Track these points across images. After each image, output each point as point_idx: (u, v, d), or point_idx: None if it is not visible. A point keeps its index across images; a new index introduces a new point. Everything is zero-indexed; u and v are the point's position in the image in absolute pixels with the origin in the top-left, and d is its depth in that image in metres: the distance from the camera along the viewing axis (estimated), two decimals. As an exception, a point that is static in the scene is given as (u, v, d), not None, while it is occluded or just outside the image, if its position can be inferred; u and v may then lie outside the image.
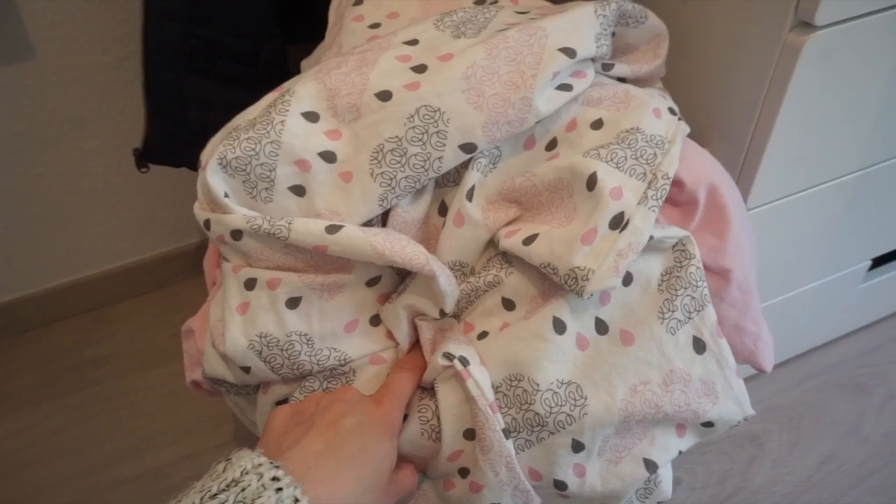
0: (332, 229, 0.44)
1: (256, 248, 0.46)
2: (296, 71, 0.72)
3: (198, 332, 0.60)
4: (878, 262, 0.88)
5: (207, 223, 0.47)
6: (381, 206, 0.46)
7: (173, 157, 0.82)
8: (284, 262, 0.46)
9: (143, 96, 0.77)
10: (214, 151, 0.47)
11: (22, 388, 1.09)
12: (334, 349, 0.47)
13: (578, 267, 0.42)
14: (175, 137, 0.78)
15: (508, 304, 0.46)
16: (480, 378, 0.43)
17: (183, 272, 1.19)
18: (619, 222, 0.43)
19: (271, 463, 0.33)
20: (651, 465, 0.47)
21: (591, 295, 0.43)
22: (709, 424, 0.48)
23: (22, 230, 1.04)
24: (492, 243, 0.49)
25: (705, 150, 0.53)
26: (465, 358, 0.44)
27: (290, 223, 0.44)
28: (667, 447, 0.47)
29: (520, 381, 0.44)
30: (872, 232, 0.80)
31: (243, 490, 0.31)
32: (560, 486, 0.45)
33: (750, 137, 0.58)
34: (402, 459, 0.46)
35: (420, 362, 0.47)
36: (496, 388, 0.44)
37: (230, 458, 0.33)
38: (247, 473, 0.32)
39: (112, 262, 1.15)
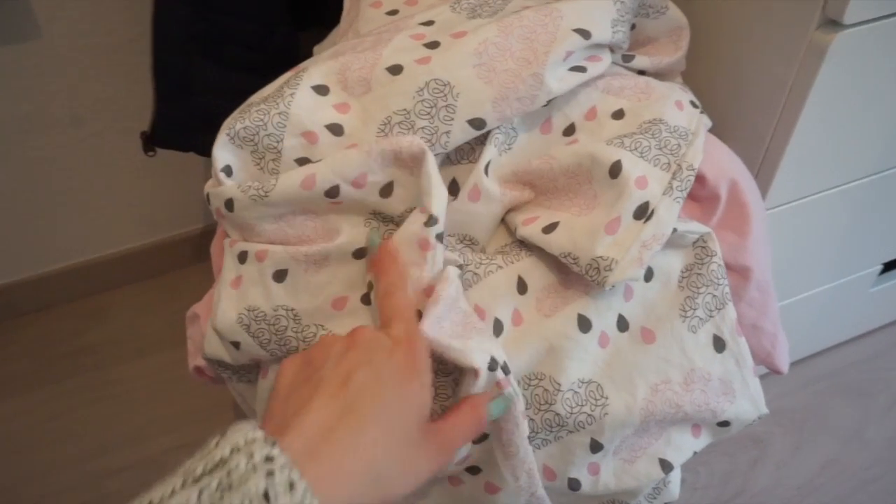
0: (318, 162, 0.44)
1: (249, 219, 0.45)
2: (307, 57, 0.71)
3: (203, 317, 0.59)
4: (889, 266, 0.87)
5: (208, 197, 0.47)
6: None
7: (181, 142, 0.80)
8: (276, 235, 0.46)
9: (152, 80, 0.76)
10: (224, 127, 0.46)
11: (17, 373, 1.07)
12: (321, 326, 0.45)
13: (601, 257, 0.41)
14: (183, 122, 0.77)
15: (521, 286, 0.45)
16: (516, 386, 0.40)
17: (182, 260, 1.18)
18: (643, 212, 0.42)
19: (266, 439, 0.28)
20: (667, 466, 0.46)
21: (613, 287, 0.42)
22: (725, 424, 0.47)
23: (20, 213, 1.03)
24: (507, 230, 0.48)
25: (726, 146, 0.52)
26: (507, 365, 0.39)
27: (276, 177, 0.44)
28: (682, 447, 0.47)
29: (540, 380, 0.43)
30: (885, 236, 0.79)
31: (229, 473, 0.26)
32: (574, 484, 0.44)
33: (770, 136, 0.58)
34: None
35: (396, 268, 0.40)
36: None
37: (225, 432, 0.28)
38: (237, 452, 0.27)
39: (111, 247, 1.13)
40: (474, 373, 0.37)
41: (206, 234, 1.16)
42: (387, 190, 0.44)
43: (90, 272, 1.13)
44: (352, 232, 0.45)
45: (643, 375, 0.44)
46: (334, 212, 0.45)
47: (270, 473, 0.26)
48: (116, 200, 1.07)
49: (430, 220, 0.40)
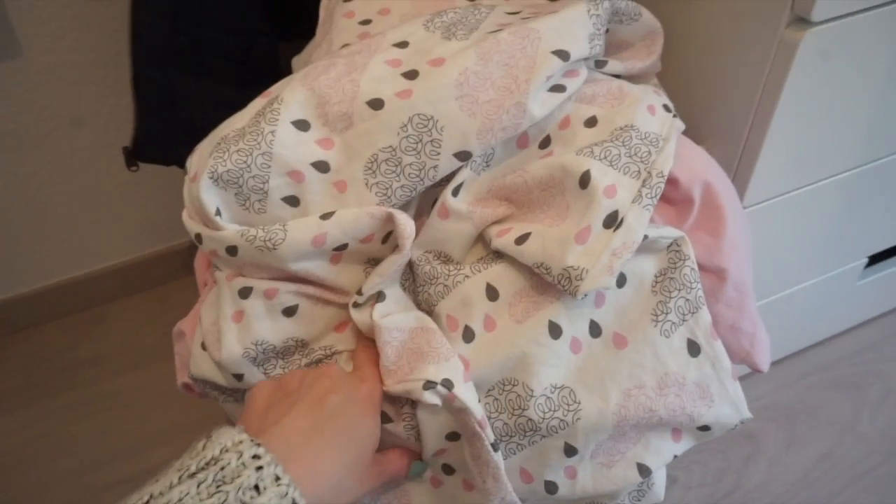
0: (327, 216, 0.44)
1: (252, 261, 0.45)
2: (287, 68, 0.71)
3: (189, 333, 0.59)
4: (875, 259, 0.87)
5: (199, 237, 0.47)
6: None
7: (163, 156, 0.80)
8: (279, 273, 0.46)
9: (133, 94, 0.76)
10: (205, 165, 0.45)
11: (13, 388, 1.08)
12: (329, 348, 0.48)
13: (572, 266, 0.41)
14: (165, 136, 0.77)
15: (492, 293, 0.45)
16: (467, 396, 0.42)
17: (175, 272, 1.18)
18: (613, 221, 0.42)
19: (252, 440, 0.32)
20: (644, 470, 0.46)
21: (585, 295, 0.42)
22: (705, 428, 0.47)
23: (11, 229, 1.03)
24: (483, 244, 0.49)
25: (701, 148, 0.52)
26: (448, 381, 0.42)
27: (284, 225, 0.44)
28: (661, 452, 0.47)
29: (513, 385, 0.43)
30: (869, 229, 0.80)
31: (222, 469, 0.30)
32: (551, 487, 0.45)
33: (746, 135, 0.58)
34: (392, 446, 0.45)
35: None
36: (487, 392, 0.44)
37: (210, 436, 0.32)
38: (226, 451, 0.31)
39: (104, 261, 1.14)
40: (420, 400, 0.42)
41: (194, 247, 1.16)
42: (385, 238, 0.47)
43: (84, 286, 1.14)
44: (351, 276, 0.47)
45: (616, 380, 0.44)
46: (337, 259, 0.47)
47: (259, 468, 0.30)
48: (106, 214, 1.08)
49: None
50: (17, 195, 1.00)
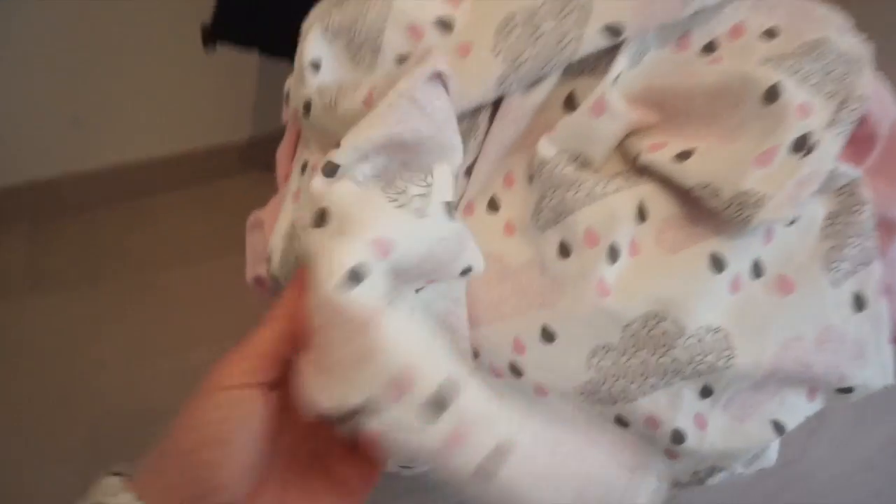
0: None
1: (320, 126, 0.41)
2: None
3: (269, 224, 0.55)
4: None
5: (288, 94, 0.45)
6: (498, 88, 0.40)
7: (245, 36, 0.74)
8: None
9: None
10: (319, 17, 0.42)
11: (58, 269, 1.06)
12: None
13: (749, 191, 0.36)
14: (249, 12, 0.71)
15: (641, 214, 0.40)
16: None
17: (229, 168, 1.14)
18: (802, 145, 0.36)
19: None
20: (780, 428, 0.42)
21: (756, 228, 0.37)
22: (847, 391, 0.42)
23: (68, 105, 0.99)
24: (621, 155, 0.43)
25: (886, 86, 0.45)
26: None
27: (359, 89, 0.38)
28: (796, 410, 0.42)
29: (661, 321, 0.38)
30: None
31: None
32: (678, 436, 0.40)
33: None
34: None
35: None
36: (626, 325, 0.39)
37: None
38: None
39: (159, 149, 1.09)
40: None
41: (253, 145, 1.11)
42: None
43: (136, 173, 1.10)
44: None
45: (775, 328, 0.39)
46: None
47: None
48: (168, 100, 1.03)
49: None
50: (84, 61, 0.94)
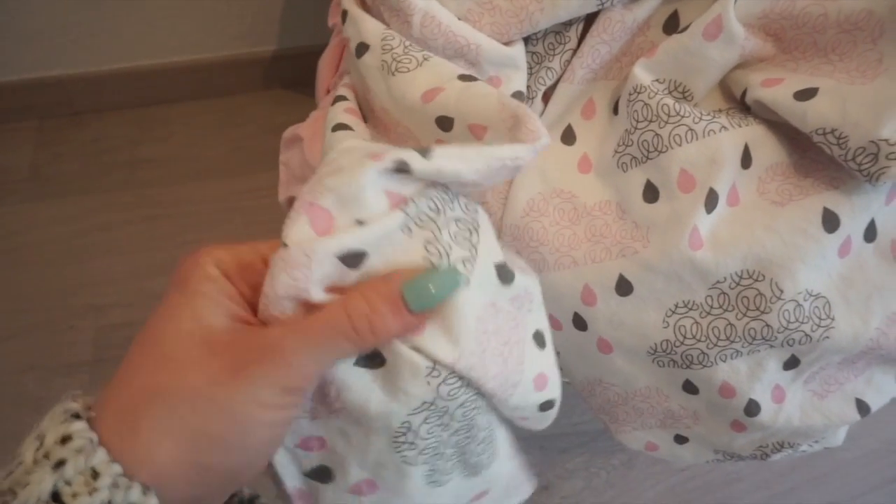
0: (465, 78, 0.33)
1: (362, 79, 0.37)
2: None
3: (308, 141, 0.50)
4: None
5: (345, 15, 0.39)
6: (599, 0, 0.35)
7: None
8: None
9: None
10: None
11: (69, 174, 1.01)
12: None
13: (886, 140, 0.30)
14: None
15: (746, 158, 0.35)
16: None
17: (251, 82, 1.07)
18: None
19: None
20: (864, 408, 0.38)
21: (883, 184, 0.32)
22: (940, 374, 0.38)
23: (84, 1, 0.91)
24: (723, 91, 0.37)
25: None
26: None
27: (426, 58, 0.34)
28: (883, 390, 0.39)
29: (757, 281, 0.34)
30: None
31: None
32: (752, 408, 0.37)
33: None
34: None
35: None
36: (715, 283, 0.34)
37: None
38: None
39: (176, 54, 1.02)
40: None
41: (279, 59, 1.04)
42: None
43: (150, 78, 1.03)
44: None
45: (883, 300, 0.34)
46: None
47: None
48: (186, 2, 0.95)
49: None
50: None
